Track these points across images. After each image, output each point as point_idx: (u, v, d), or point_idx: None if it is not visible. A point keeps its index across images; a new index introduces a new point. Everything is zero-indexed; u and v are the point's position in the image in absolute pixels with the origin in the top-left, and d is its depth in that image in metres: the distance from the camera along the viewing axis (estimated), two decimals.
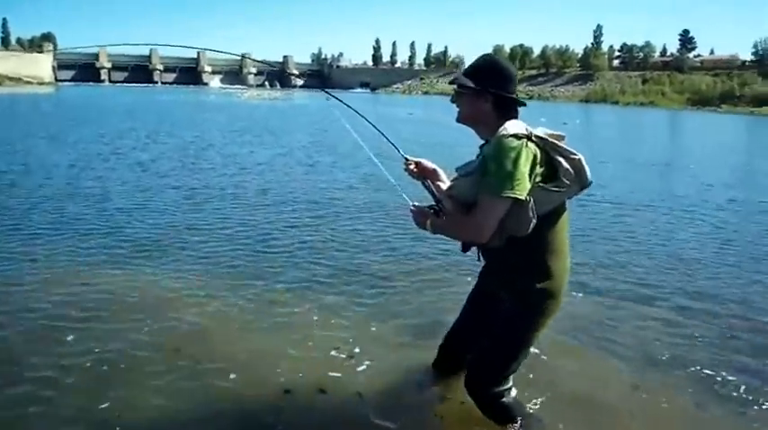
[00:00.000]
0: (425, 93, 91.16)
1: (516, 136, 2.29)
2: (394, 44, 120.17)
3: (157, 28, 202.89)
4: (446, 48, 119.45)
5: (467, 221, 2.38)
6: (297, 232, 6.65)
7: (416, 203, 2.62)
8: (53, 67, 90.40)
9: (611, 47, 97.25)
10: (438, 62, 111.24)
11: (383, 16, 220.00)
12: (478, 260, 2.70)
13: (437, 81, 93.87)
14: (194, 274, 5.06)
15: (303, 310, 4.34)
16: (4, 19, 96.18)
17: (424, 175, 2.77)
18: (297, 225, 6.98)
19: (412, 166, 2.78)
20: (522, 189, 2.24)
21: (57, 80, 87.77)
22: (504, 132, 2.31)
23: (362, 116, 2.96)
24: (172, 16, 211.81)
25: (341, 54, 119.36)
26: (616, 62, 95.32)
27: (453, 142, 13.84)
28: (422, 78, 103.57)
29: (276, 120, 26.83)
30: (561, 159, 2.35)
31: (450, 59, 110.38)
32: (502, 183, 2.24)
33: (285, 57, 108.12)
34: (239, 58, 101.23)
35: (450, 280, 5.09)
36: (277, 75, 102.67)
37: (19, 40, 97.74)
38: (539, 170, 2.31)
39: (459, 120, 2.56)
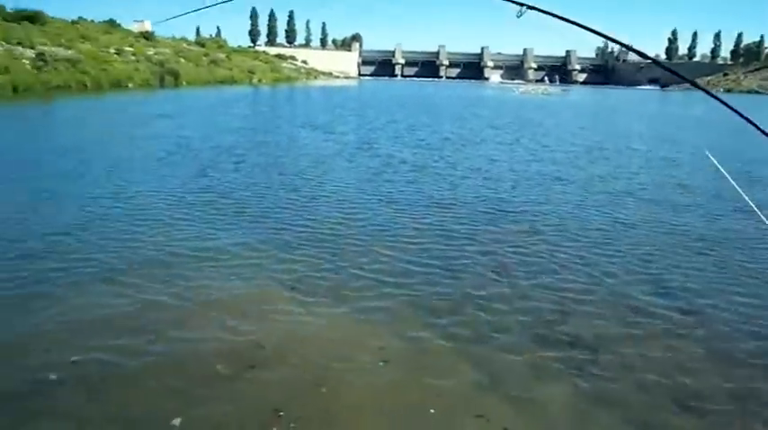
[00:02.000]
0: (728, 90, 77.13)
1: None
2: (694, 35, 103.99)
3: (445, 28, 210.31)
4: (762, 37, 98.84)
5: None
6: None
7: None
8: (358, 64, 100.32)
9: None
10: (749, 54, 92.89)
11: (682, 4, 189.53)
12: None
13: (744, 77, 78.61)
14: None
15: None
16: (324, 23, 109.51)
17: None
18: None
19: None
20: None
21: (360, 74, 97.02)
22: None
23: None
24: (456, 17, 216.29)
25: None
26: None
27: None
28: (725, 74, 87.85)
29: (543, 117, 24.31)
30: None
31: None
32: None
33: (568, 51, 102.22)
34: (521, 53, 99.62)
35: None
36: (558, 70, 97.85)
37: (333, 41, 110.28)
38: None
39: None
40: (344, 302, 4.19)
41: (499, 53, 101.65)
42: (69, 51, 29.71)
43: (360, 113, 22.53)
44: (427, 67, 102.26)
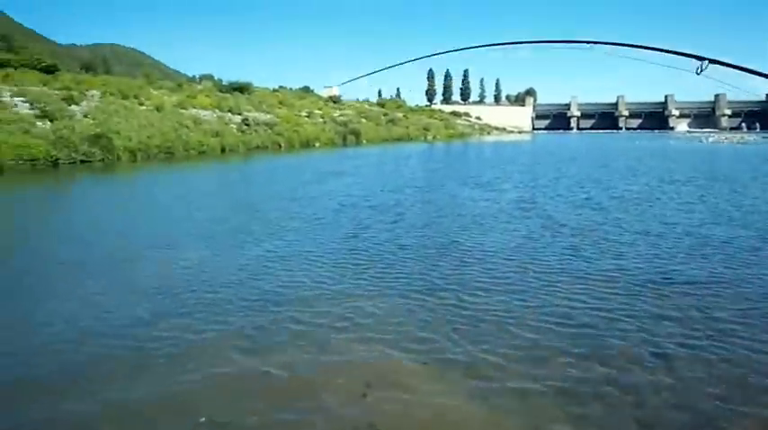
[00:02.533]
0: None
1: None
2: None
3: (623, 79, 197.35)
4: None
5: None
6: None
7: None
8: (531, 118, 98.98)
9: None
10: None
11: None
12: None
13: None
14: None
15: None
16: (497, 79, 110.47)
17: None
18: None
19: None
20: None
21: (534, 128, 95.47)
22: None
23: None
24: (633, 67, 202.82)
25: None
26: None
27: None
28: None
29: (739, 171, 21.34)
30: None
31: None
32: None
33: None
34: (712, 99, 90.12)
35: None
36: (758, 115, 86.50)
37: (507, 97, 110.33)
38: None
39: None
40: (474, 385, 3.77)
41: (685, 101, 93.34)
42: (268, 116, 33.37)
43: (527, 169, 21.83)
44: (605, 118, 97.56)
